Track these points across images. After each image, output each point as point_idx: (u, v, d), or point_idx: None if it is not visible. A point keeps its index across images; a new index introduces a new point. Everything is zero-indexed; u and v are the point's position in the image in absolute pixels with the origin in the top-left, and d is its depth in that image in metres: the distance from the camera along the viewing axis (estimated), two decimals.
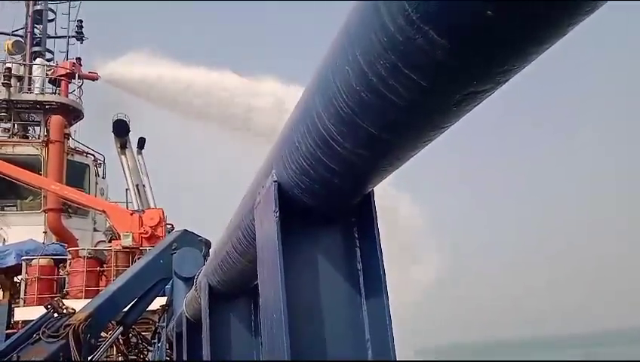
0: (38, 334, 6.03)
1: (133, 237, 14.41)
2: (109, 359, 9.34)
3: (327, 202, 1.34)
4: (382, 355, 1.34)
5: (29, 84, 21.37)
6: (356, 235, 1.44)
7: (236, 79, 24.35)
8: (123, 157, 20.61)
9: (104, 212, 16.62)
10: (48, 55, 23.77)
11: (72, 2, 24.69)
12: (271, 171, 1.39)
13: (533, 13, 0.65)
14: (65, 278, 13.97)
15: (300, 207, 1.35)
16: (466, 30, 0.68)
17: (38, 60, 22.27)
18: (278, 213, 1.32)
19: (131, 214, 15.71)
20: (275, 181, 1.35)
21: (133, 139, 20.91)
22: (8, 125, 21.11)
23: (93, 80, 22.91)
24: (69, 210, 18.53)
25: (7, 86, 20.11)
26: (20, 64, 21.59)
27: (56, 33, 24.46)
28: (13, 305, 13.70)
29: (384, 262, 1.36)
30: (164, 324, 6.73)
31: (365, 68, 0.84)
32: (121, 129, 20.43)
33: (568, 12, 0.65)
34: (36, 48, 23.17)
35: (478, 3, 0.64)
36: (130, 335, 7.85)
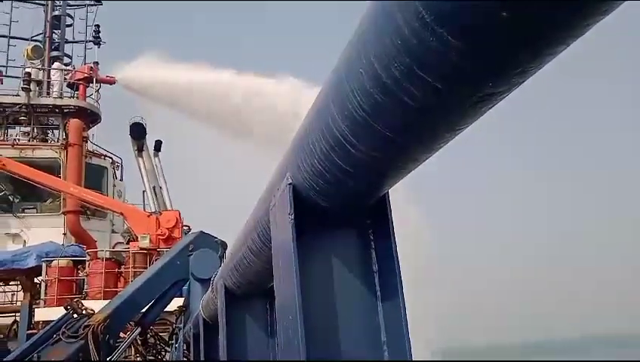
0: (58, 334, 6.13)
1: (150, 239, 14.53)
2: (127, 359, 9.44)
3: (342, 204, 1.34)
4: (398, 358, 1.33)
5: (48, 89, 21.71)
6: (371, 237, 1.44)
7: (254, 80, 24.33)
8: (140, 159, 20.82)
9: (122, 214, 16.80)
10: (66, 59, 24.14)
11: (89, 7, 25.09)
12: (286, 173, 1.40)
13: (550, 14, 0.64)
14: (84, 279, 14.15)
15: (315, 209, 1.35)
16: (481, 31, 0.68)
17: (56, 65, 22.61)
18: (293, 215, 1.32)
19: (148, 216, 15.85)
20: (289, 183, 1.36)
21: (149, 141, 21.12)
22: (28, 129, 21.47)
23: (111, 84, 23.20)
24: (88, 212, 18.78)
25: (27, 90, 20.45)
26: (38, 69, 21.94)
27: (74, 38, 24.85)
28: (33, 306, 13.92)
29: (400, 264, 1.36)
30: (182, 325, 6.78)
31: (379, 70, 0.84)
32: (138, 132, 20.65)
33: (585, 12, 0.64)
34: (55, 53, 23.53)
35: (492, 4, 0.64)
36: (148, 335, 7.93)
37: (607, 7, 0.63)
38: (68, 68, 23.34)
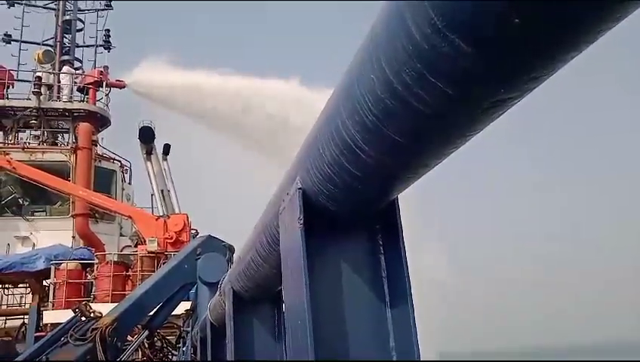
0: (66, 337, 6.17)
1: (158, 243, 14.58)
2: None
3: (351, 209, 1.34)
4: None
5: (58, 93, 21.90)
6: (380, 242, 1.43)
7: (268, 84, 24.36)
8: (148, 163, 20.93)
9: (130, 217, 16.87)
10: (77, 63, 24.35)
11: (99, 12, 25.34)
12: (295, 178, 1.40)
13: (562, 20, 0.64)
14: (92, 282, 14.21)
15: (325, 214, 1.35)
16: (493, 38, 0.68)
17: (65, 69, 22.79)
18: (302, 220, 1.32)
19: (156, 219, 15.92)
20: (299, 188, 1.36)
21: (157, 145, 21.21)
22: (38, 132, 21.66)
23: (121, 88, 23.37)
24: (97, 216, 18.89)
25: (38, 94, 20.65)
26: (49, 73, 22.14)
27: (84, 42, 25.09)
28: (42, 309, 13.99)
29: (409, 270, 1.35)
30: (189, 329, 6.79)
31: (390, 76, 0.85)
32: (147, 135, 20.76)
33: (598, 18, 0.64)
34: (65, 57, 23.74)
35: (504, 11, 0.64)
36: (156, 339, 7.95)
37: (620, 14, 0.63)
38: (78, 72, 23.53)
